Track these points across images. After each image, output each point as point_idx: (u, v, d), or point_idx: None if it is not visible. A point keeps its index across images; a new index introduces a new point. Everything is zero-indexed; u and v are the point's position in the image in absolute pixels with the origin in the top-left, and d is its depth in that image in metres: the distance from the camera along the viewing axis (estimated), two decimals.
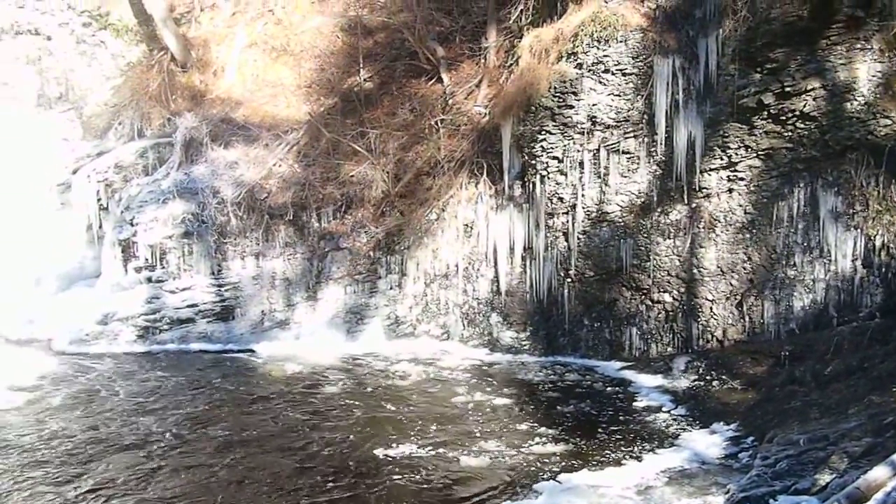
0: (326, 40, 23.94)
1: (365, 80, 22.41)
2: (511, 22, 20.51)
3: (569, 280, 18.56)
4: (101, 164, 22.46)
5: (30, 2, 25.72)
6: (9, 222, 22.60)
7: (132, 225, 20.65)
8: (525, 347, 18.97)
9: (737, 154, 16.76)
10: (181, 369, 17.96)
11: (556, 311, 18.79)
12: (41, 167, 23.90)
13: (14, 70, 25.97)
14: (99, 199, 22.11)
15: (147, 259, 20.44)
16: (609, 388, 16.05)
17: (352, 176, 20.42)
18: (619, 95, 17.46)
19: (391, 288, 20.08)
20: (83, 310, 20.64)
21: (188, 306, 20.26)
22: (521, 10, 20.17)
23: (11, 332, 20.67)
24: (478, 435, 13.52)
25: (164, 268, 20.45)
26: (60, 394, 15.99)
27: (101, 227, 22.09)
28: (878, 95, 15.88)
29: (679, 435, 13.34)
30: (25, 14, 25.84)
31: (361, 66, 22.44)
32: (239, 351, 19.62)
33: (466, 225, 19.60)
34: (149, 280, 20.46)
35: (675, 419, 14.13)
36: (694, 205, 17.32)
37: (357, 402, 15.38)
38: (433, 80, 21.57)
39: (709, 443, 12.87)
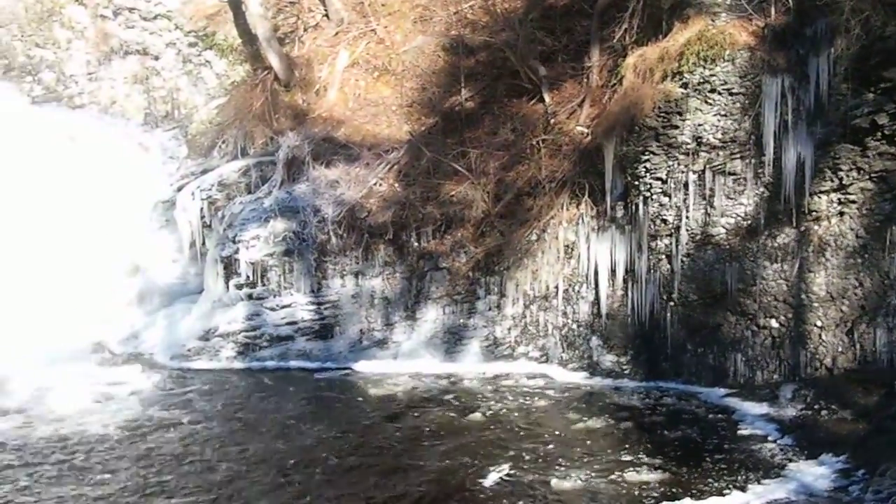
0: (428, 60, 23.95)
1: (466, 99, 22.35)
2: (615, 41, 20.20)
3: (671, 304, 18.14)
4: (205, 182, 22.81)
5: (139, 22, 26.25)
6: (114, 238, 23.10)
7: (234, 242, 20.90)
8: (625, 372, 18.58)
9: (848, 176, 16.20)
10: (286, 388, 18.11)
11: (657, 336, 18.37)
12: (147, 184, 24.40)
13: (123, 89, 26.52)
14: (202, 217, 22.45)
15: (248, 276, 20.67)
16: (712, 416, 15.60)
17: (452, 196, 20.33)
18: (726, 115, 17.07)
19: (490, 309, 19.90)
20: (185, 325, 21.00)
21: (288, 324, 20.41)
22: (625, 29, 19.86)
23: (116, 346, 21.19)
24: (575, 460, 13.28)
25: (264, 285, 20.66)
26: (169, 413, 16.32)
27: (203, 244, 22.43)
28: None
29: (785, 465, 12.88)
30: (134, 34, 26.40)
31: (463, 85, 22.40)
32: (337, 369, 19.66)
33: (567, 246, 19.32)
34: (249, 297, 20.69)
35: (781, 449, 13.66)
36: (803, 228, 16.78)
37: (455, 424, 15.29)
38: (535, 100, 21.38)
39: (817, 474, 12.40)
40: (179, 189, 23.46)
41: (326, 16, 25.65)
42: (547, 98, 21.07)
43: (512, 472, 12.74)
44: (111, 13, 26.38)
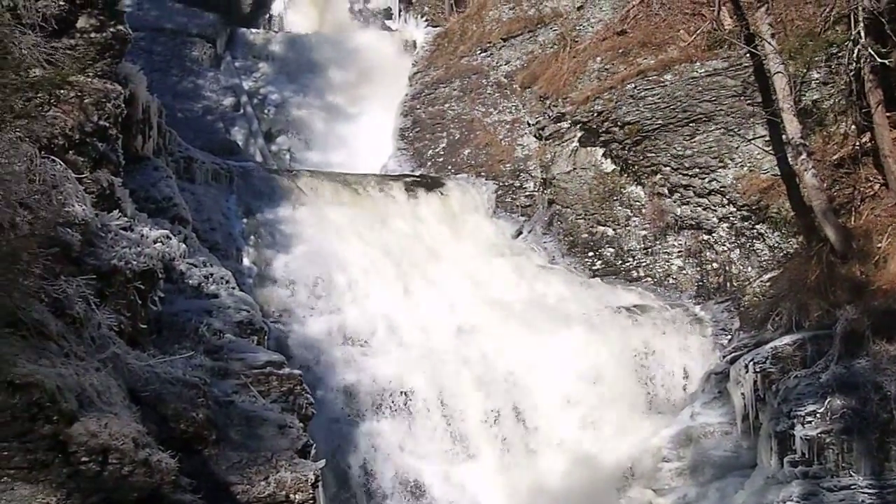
0: None
1: None
2: None
3: None
4: (759, 355, 22.69)
5: (693, 198, 27.19)
6: (662, 410, 23.91)
7: (789, 417, 20.56)
8: None
9: None
10: None
11: None
12: (700, 355, 25.00)
13: (676, 262, 27.55)
14: (756, 390, 22.27)
15: (804, 453, 20.13)
16: None
17: None
18: None
19: None
20: (738, 500, 21.10)
21: None
22: None
23: None
24: None
25: (821, 464, 19.98)
26: None
27: (757, 417, 22.22)
28: None
29: None
30: (689, 210, 27.38)
31: None
32: None
33: None
34: (805, 475, 20.08)
35: None
36: None
37: None
38: None
39: None
40: (732, 361, 23.59)
41: (885, 185, 24.84)
42: None
43: None
44: (667, 191, 27.64)
